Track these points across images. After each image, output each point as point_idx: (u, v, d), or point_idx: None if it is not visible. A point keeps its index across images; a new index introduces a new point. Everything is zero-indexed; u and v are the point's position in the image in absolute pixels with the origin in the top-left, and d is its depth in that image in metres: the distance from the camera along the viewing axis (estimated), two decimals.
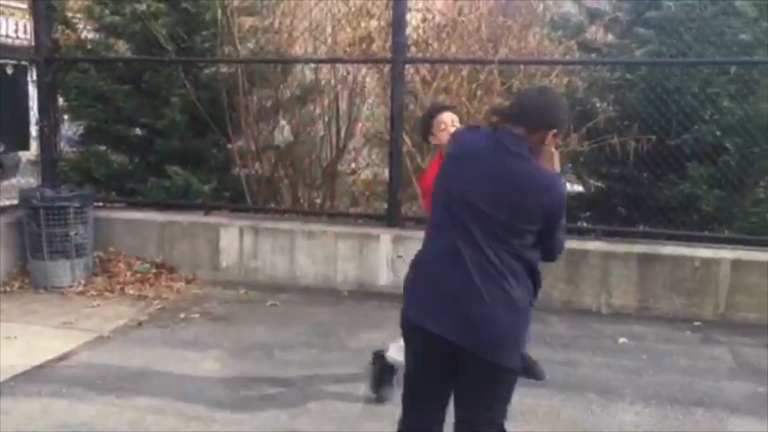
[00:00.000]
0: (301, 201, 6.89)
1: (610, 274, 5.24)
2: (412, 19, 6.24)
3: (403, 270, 5.56)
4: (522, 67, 5.87)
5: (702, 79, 5.49)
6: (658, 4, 5.62)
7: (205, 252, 5.99)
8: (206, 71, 6.74)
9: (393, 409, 3.65)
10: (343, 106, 6.79)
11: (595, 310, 5.24)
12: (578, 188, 6.78)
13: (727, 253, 5.08)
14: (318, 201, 6.94)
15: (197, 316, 5.08)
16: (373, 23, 6.19)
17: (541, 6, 6.57)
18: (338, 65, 6.56)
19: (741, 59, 5.43)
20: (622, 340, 4.67)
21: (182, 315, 5.08)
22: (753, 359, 4.39)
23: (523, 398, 3.69)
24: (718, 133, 5.46)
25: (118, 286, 5.67)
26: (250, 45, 6.78)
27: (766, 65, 5.49)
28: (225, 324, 4.93)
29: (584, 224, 5.86)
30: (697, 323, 4.99)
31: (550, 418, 3.53)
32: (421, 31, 6.27)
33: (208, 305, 5.32)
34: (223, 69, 6.61)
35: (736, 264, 5.00)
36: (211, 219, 6.11)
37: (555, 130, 2.27)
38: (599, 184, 6.37)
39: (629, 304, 5.20)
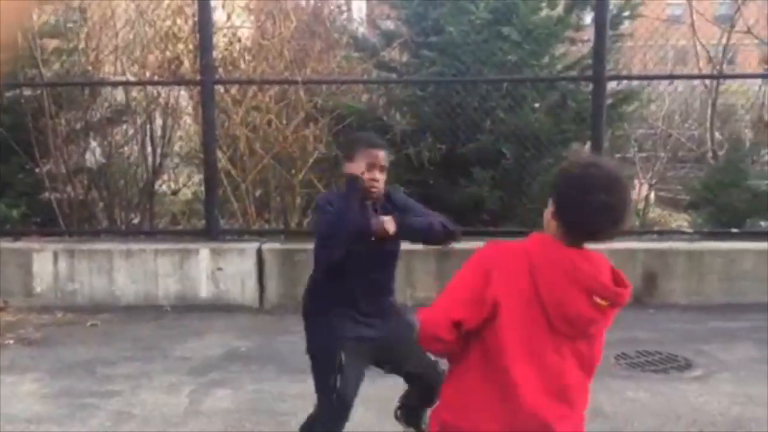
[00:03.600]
0: (118, 222, 6.92)
1: (413, 270, 5.84)
2: (219, 41, 6.55)
3: (224, 281, 5.85)
4: (324, 86, 6.37)
5: (480, 95, 6.29)
6: (440, 29, 6.35)
7: (17, 278, 5.87)
8: (8, 95, 6.60)
9: (213, 405, 3.95)
10: (157, 126, 6.93)
11: (401, 303, 5.80)
12: None
13: None
14: (135, 221, 7.01)
15: (11, 342, 5.02)
16: (181, 46, 6.41)
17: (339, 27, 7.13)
18: (149, 86, 6.70)
19: (511, 77, 6.29)
20: None
21: None
22: None
23: None
24: (496, 141, 6.27)
25: None
26: (56, 67, 6.74)
27: (531, 81, 6.40)
28: (42, 347, 4.92)
29: None
30: None
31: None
32: (228, 53, 6.59)
33: (23, 331, 5.26)
34: (27, 92, 6.51)
35: None
36: (22, 244, 6.01)
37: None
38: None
39: (431, 296, 5.81)
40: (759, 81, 9.41)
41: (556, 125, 6.37)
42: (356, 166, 2.71)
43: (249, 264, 5.82)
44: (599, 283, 1.82)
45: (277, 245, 5.94)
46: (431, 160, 6.27)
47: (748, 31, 8.35)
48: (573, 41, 7.28)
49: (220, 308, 5.68)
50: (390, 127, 6.39)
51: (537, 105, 6.54)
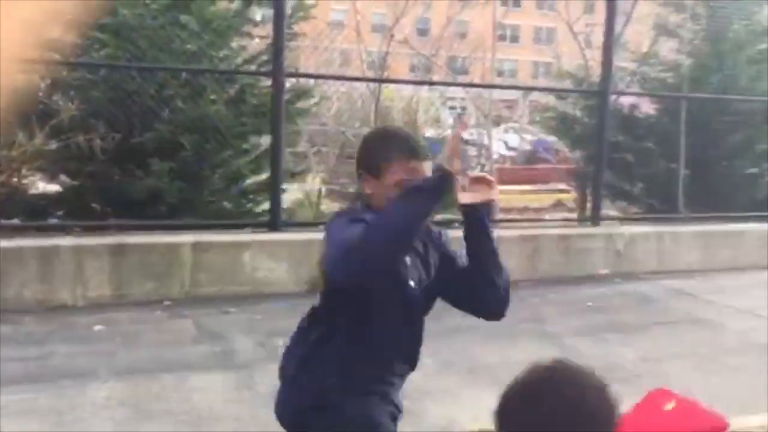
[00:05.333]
0: None
1: (84, 267, 5.41)
2: None
3: None
4: None
5: (158, 83, 6.05)
6: (114, 10, 5.96)
7: None
8: None
9: None
10: None
11: (71, 304, 5.35)
12: (54, 186, 6.76)
13: (188, 238, 5.74)
14: None
15: None
16: None
17: None
18: None
19: (189, 67, 6.17)
20: (97, 327, 4.92)
21: None
22: (213, 326, 5.11)
23: None
24: (175, 131, 6.10)
25: None
26: None
27: (210, 73, 6.34)
28: None
29: (55, 221, 5.91)
30: (167, 303, 5.53)
31: (24, 411, 3.59)
32: None
33: None
34: None
35: (196, 246, 5.70)
36: None
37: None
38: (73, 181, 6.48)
39: (105, 294, 5.45)
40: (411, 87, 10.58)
41: (236, 118, 6.40)
42: (386, 185, 1.86)
43: None
44: None
45: None
46: (104, 150, 5.87)
47: (405, 41, 9.31)
48: (251, 36, 7.38)
49: None
50: (56, 112, 5.83)
51: (215, 97, 6.50)
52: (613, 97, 8.06)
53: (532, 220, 7.92)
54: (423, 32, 19.10)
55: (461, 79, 15.89)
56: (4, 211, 5.85)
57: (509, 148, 22.26)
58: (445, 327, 5.23)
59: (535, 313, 5.60)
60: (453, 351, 4.69)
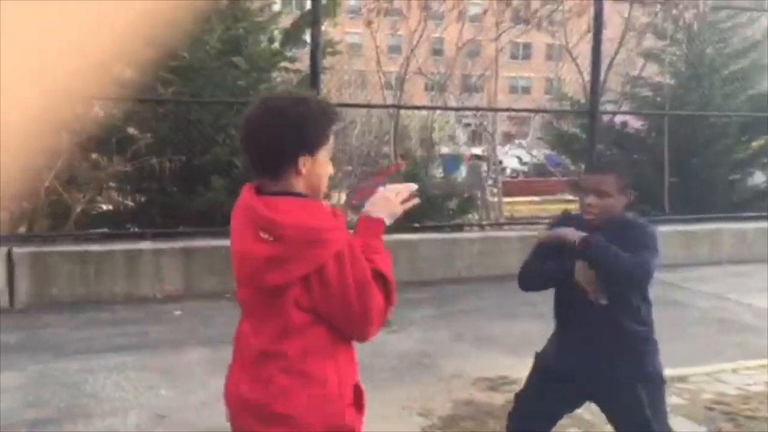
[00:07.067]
0: None
1: (161, 266, 6.61)
2: None
3: None
4: None
5: (215, 114, 7.28)
6: (176, 55, 7.21)
7: None
8: None
9: (4, 384, 4.38)
10: None
11: (151, 296, 6.54)
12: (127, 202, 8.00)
13: None
14: None
15: None
16: None
17: None
18: None
19: (242, 100, 7.38)
20: (177, 312, 6.10)
21: None
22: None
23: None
24: (230, 153, 7.31)
25: None
26: None
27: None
28: None
29: (135, 229, 7.12)
30: (228, 295, 6.68)
31: (139, 368, 4.75)
32: None
33: None
34: None
35: None
36: None
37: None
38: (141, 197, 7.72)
39: (178, 288, 6.64)
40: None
41: None
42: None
43: None
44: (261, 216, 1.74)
45: (27, 249, 6.27)
46: (171, 170, 7.09)
47: (420, 72, 10.48)
48: (287, 70, 8.62)
49: None
50: (131, 140, 7.07)
51: None
52: (607, 116, 9.17)
53: (533, 223, 9.00)
54: (437, 52, 19.71)
55: (474, 96, 17.05)
56: (94, 222, 7.09)
57: (522, 163, 23.38)
58: (457, 309, 6.37)
59: (532, 298, 6.69)
60: (464, 326, 5.83)
